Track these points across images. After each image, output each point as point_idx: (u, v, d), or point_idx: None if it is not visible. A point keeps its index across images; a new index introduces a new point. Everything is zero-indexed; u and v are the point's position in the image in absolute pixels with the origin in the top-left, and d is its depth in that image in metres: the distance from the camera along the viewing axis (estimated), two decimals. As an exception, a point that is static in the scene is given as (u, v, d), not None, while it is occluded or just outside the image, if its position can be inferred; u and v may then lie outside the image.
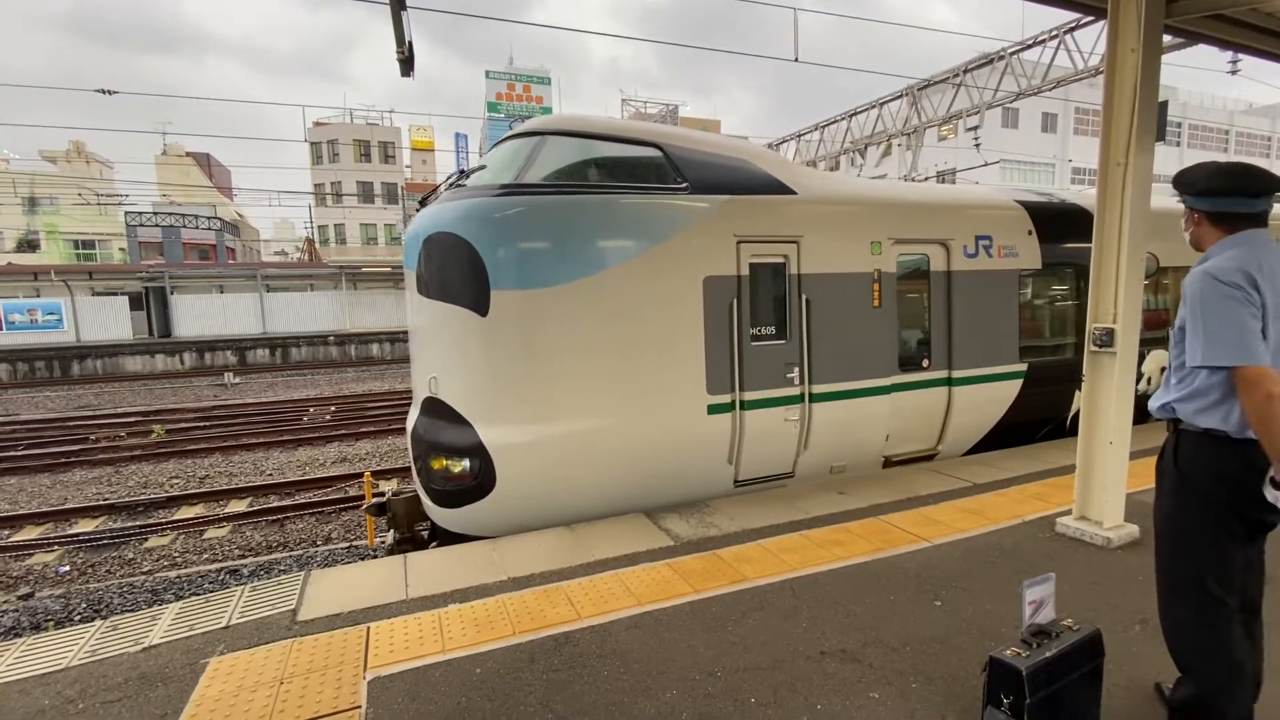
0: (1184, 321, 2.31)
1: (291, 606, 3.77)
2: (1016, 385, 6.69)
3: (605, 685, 2.90)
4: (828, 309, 5.69)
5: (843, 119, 18.65)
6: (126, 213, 39.76)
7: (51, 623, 5.86)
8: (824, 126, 19.54)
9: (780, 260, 5.52)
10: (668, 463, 5.25)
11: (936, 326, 6.35)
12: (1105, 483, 4.31)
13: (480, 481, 4.85)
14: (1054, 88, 14.06)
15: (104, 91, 16.33)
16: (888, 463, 6.26)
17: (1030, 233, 6.73)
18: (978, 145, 15.77)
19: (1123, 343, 4.20)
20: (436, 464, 5.01)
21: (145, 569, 7.23)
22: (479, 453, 4.81)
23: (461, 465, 4.88)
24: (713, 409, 5.30)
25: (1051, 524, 4.60)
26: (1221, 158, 5.42)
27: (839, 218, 5.83)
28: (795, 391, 5.61)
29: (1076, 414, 6.72)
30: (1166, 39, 4.69)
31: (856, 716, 2.66)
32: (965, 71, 15.27)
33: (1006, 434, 6.74)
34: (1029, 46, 13.98)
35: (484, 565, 4.25)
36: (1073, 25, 12.95)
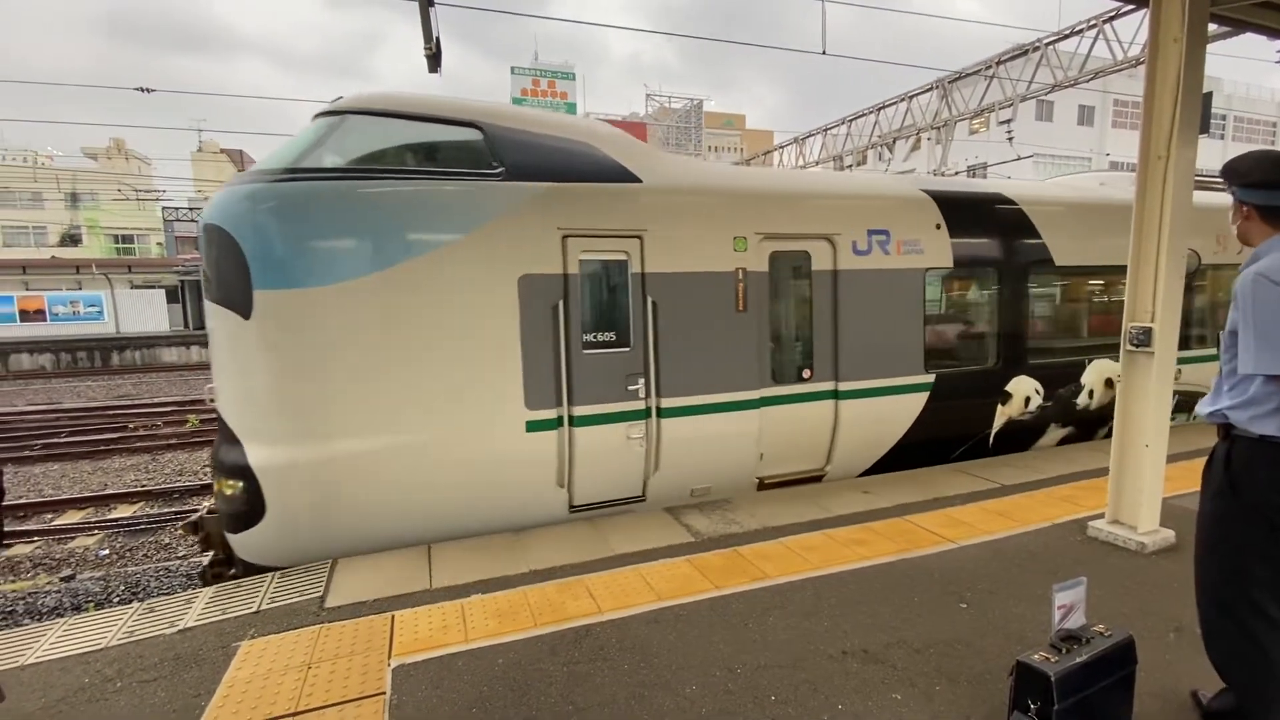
0: (1235, 325, 2.23)
1: (319, 593, 3.85)
2: (921, 399, 6.01)
3: (625, 679, 2.92)
4: (680, 313, 5.07)
5: (870, 112, 18.36)
6: (164, 208, 40.85)
7: (92, 604, 6.08)
8: (851, 120, 19.26)
9: (620, 257, 4.91)
10: (478, 487, 4.63)
11: (821, 333, 5.66)
12: (1140, 486, 4.19)
13: (250, 506, 4.25)
14: (1091, 79, 13.65)
15: (142, 90, 16.79)
16: (763, 485, 5.61)
17: (939, 226, 6.01)
18: (1010, 139, 15.39)
19: (1161, 342, 4.08)
20: (218, 484, 4.48)
21: (180, 554, 7.46)
22: (246, 474, 4.22)
23: (235, 487, 4.28)
24: (533, 426, 4.68)
25: (1083, 527, 4.49)
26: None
27: (693, 209, 5.17)
28: (640, 406, 5.00)
29: (1002, 432, 6.44)
30: (1211, 28, 4.53)
31: (879, 718, 2.63)
32: (999, 63, 14.91)
33: (913, 453, 6.10)
34: (1066, 37, 13.59)
35: (506, 556, 4.29)
36: (1112, 14, 12.55)
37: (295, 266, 4.19)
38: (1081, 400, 6.83)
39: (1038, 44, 14.07)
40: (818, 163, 20.54)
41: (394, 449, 4.39)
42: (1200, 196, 7.60)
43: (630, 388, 4.97)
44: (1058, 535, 4.45)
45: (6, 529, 6.07)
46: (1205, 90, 4.23)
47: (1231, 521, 2.28)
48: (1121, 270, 7.27)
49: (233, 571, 4.75)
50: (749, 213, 5.34)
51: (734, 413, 5.30)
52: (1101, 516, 4.47)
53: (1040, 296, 6.83)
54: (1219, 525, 2.33)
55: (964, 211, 6.21)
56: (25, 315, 27.95)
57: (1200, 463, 2.50)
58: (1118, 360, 6.64)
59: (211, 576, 4.88)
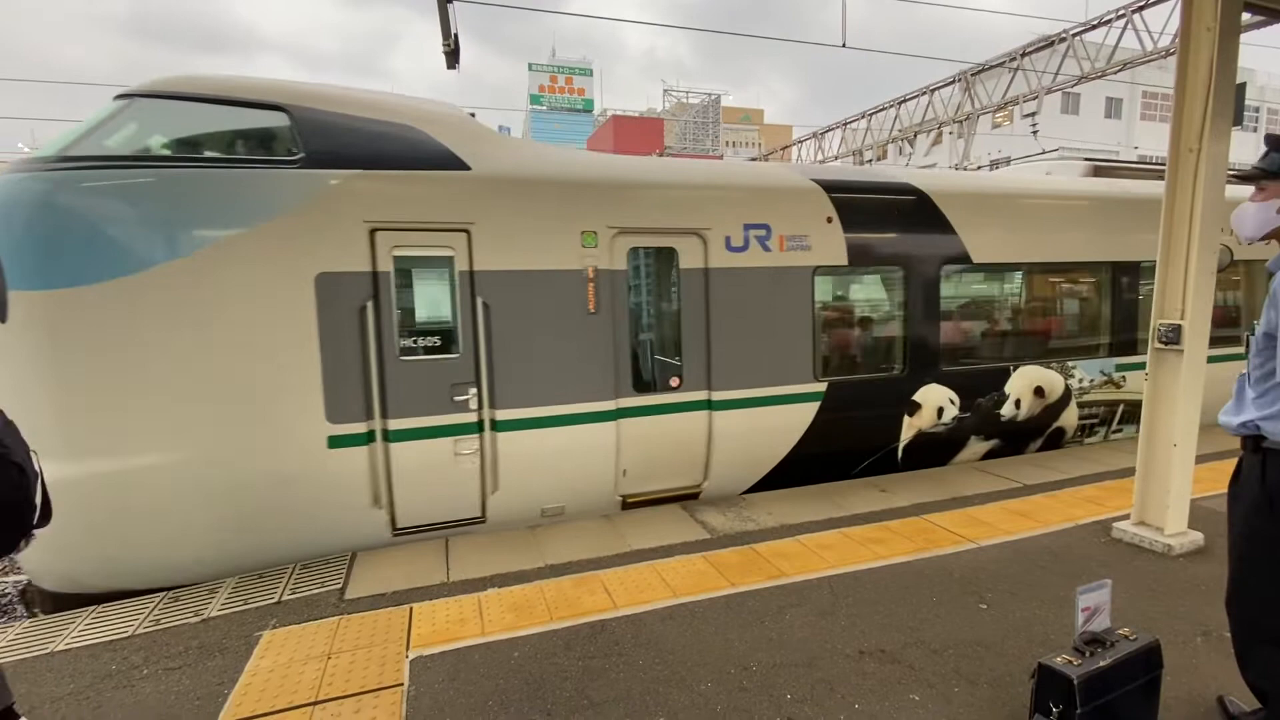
0: (1272, 327, 2.09)
1: (339, 585, 3.91)
2: (811, 409, 5.47)
3: (640, 674, 2.92)
4: (517, 316, 4.60)
5: (890, 106, 18.12)
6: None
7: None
8: (871, 114, 19.03)
9: (444, 253, 4.45)
10: (270, 510, 4.12)
11: (691, 338, 5.12)
12: (1168, 486, 4.10)
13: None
14: (1119, 70, 13.33)
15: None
16: (629, 504, 5.10)
17: (831, 220, 5.45)
18: (1035, 132, 15.09)
19: (1191, 340, 3.97)
20: None
21: None
22: None
23: None
24: (338, 441, 4.23)
25: (1107, 528, 4.40)
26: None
27: (530, 200, 4.64)
28: (470, 419, 4.54)
29: (913, 445, 5.90)
30: (1245, 16, 4.39)
31: (896, 718, 2.61)
32: (1023, 55, 14.63)
33: (806, 467, 5.57)
34: (1093, 27, 13.29)
35: (522, 551, 4.32)
36: (1141, 4, 12.25)
37: (49, 265, 3.75)
38: (1007, 411, 6.21)
39: (1064, 35, 13.78)
40: (836, 157, 20.34)
41: (168, 467, 3.92)
42: (1153, 188, 6.80)
43: (458, 399, 4.50)
44: (1081, 536, 4.37)
45: None
46: (1239, 81, 4.10)
47: (1273, 541, 2.18)
48: (1059, 268, 6.62)
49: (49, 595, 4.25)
50: (599, 204, 4.82)
51: (586, 425, 4.82)
52: (1127, 517, 4.39)
53: (955, 298, 6.27)
54: (1258, 544, 2.22)
55: (861, 204, 5.62)
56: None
57: (1231, 464, 2.42)
58: (1050, 367, 6.46)
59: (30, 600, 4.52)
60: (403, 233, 4.33)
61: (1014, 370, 6.26)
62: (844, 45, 12.99)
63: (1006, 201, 6.30)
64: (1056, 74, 14.22)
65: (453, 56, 6.83)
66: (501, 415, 4.61)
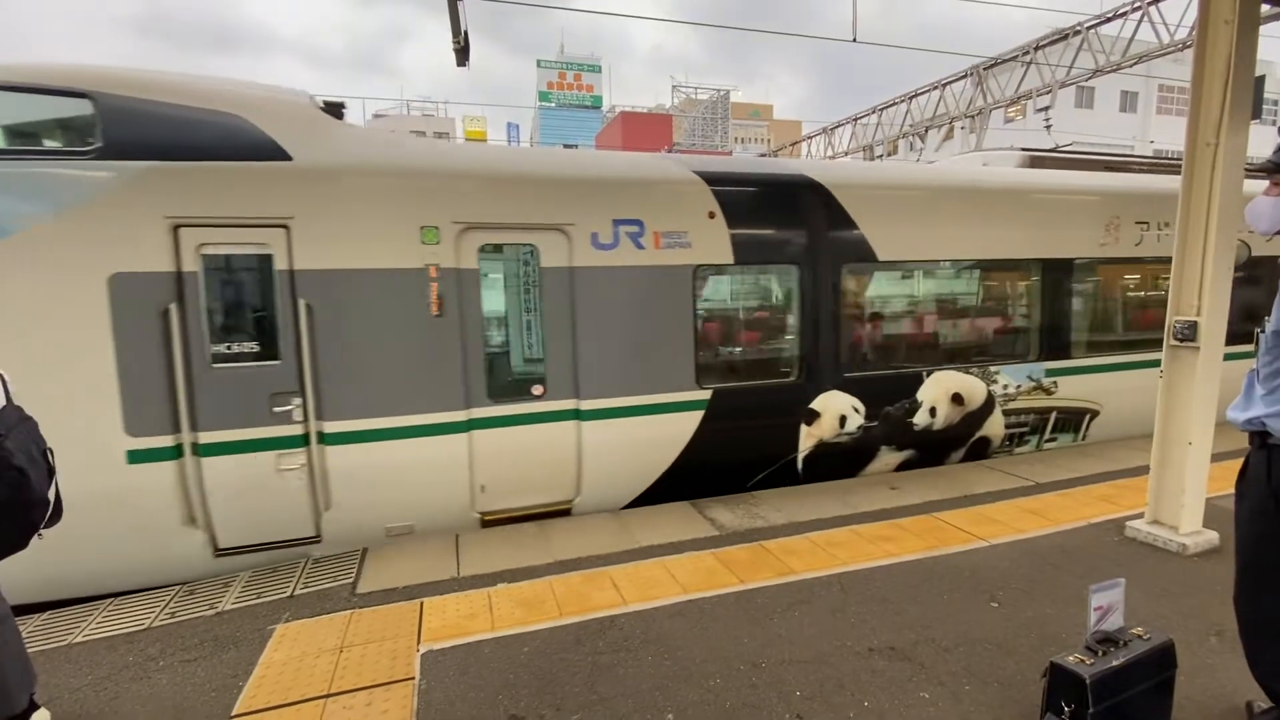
0: None
1: (351, 579, 3.94)
2: (694, 418, 5.09)
3: (649, 670, 2.93)
4: (347, 319, 4.25)
5: (901, 101, 17.98)
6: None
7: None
8: (882, 109, 18.89)
9: (260, 251, 4.11)
10: (64, 534, 3.49)
11: (555, 343, 4.78)
12: (1183, 485, 4.06)
13: None
14: (1135, 64, 13.16)
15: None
16: (489, 521, 4.76)
17: (714, 215, 5.04)
18: (1048, 126, 14.92)
19: (1207, 337, 3.92)
20: None
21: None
22: None
23: None
24: (138, 456, 3.89)
25: (1120, 527, 4.36)
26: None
27: (360, 193, 4.30)
28: (294, 431, 4.20)
29: (815, 456, 5.49)
30: (1265, 8, 4.32)
31: (906, 716, 2.60)
32: (1037, 48, 14.47)
33: (693, 480, 5.20)
34: (1108, 20, 13.12)
35: (531, 547, 4.34)
36: (1158, -4, 12.07)
37: None
38: (920, 419, 5.80)
39: (1078, 28, 13.61)
40: (847, 153, 20.22)
41: None
42: (1093, 179, 6.58)
43: (279, 409, 4.15)
44: (1094, 535, 4.33)
45: None
46: (1258, 74, 4.04)
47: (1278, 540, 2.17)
48: (982, 266, 6.21)
49: None
50: (442, 197, 4.46)
51: (432, 438, 4.47)
52: (1140, 516, 4.34)
53: (858, 299, 5.89)
54: (1265, 545, 2.21)
55: (749, 198, 5.24)
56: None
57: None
58: (969, 372, 6.05)
59: None
60: (210, 229, 3.99)
61: (927, 376, 5.83)
62: (854, 40, 12.89)
63: (920, 195, 5.84)
64: (1071, 67, 14.05)
65: (463, 54, 6.85)
66: (331, 428, 4.26)
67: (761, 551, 4.16)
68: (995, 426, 6.17)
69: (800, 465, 5.53)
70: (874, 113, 19.16)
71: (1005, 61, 15.35)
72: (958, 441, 6.09)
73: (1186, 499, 4.05)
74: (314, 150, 4.24)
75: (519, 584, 3.80)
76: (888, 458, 5.85)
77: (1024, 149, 7.31)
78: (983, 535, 4.34)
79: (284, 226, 4.12)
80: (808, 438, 5.50)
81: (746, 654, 3.04)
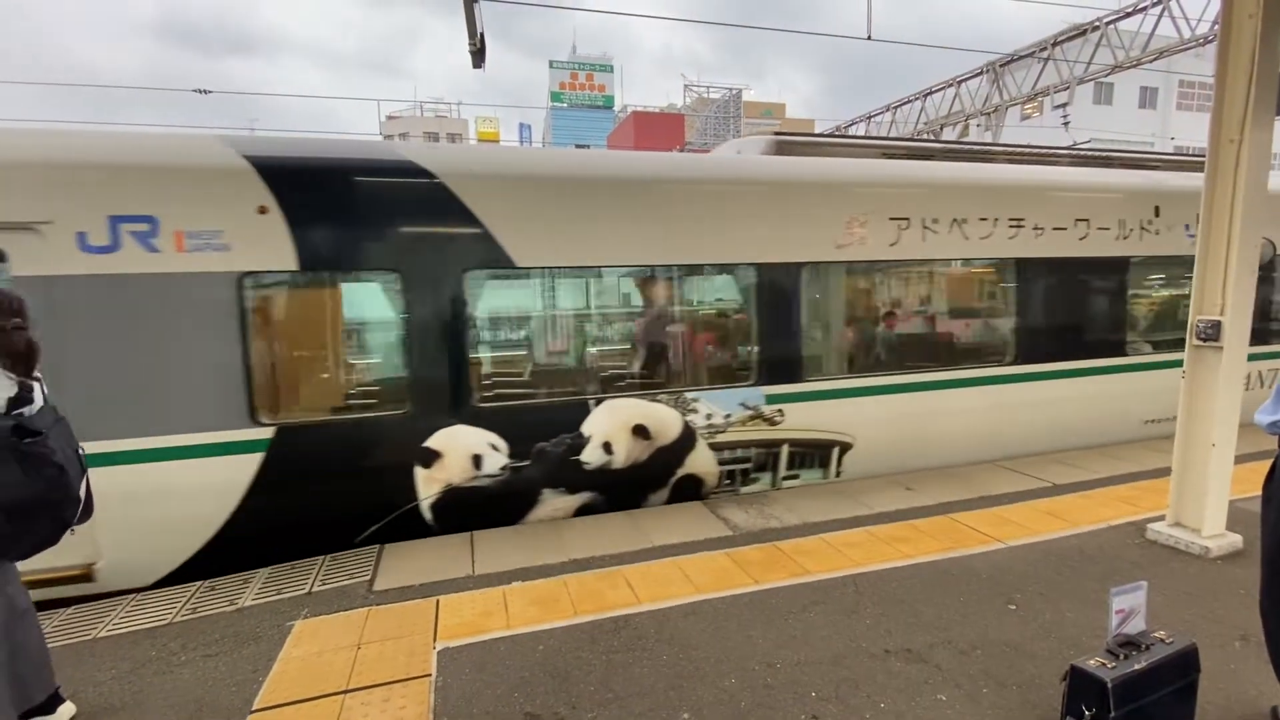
0: None
1: (368, 576, 3.98)
2: (252, 462, 4.14)
3: (664, 669, 2.93)
4: None
5: (916, 98, 17.85)
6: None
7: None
8: (896, 107, 18.76)
9: None
10: None
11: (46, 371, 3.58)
12: (1206, 487, 3.99)
13: None
14: (1155, 59, 12.98)
15: (200, 91, 17.60)
16: None
17: (266, 210, 4.11)
18: (1066, 123, 14.74)
19: (1231, 337, 3.86)
20: None
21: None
22: None
23: None
24: None
25: (1141, 529, 4.30)
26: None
27: None
28: None
29: (447, 504, 4.55)
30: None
31: (923, 718, 2.58)
32: (1054, 44, 14.29)
33: (264, 539, 4.22)
34: (1127, 15, 12.95)
35: (546, 546, 4.36)
36: (1179, -10, 11.88)
37: None
38: (592, 456, 4.80)
39: (1097, 23, 13.43)
40: (860, 152, 20.10)
41: None
42: (844, 167, 5.55)
43: None
44: (1114, 537, 4.28)
45: None
46: (1284, 68, 3.97)
47: None
48: (669, 272, 5.14)
49: None
50: None
51: None
52: (1162, 518, 4.29)
53: (492, 315, 5.02)
54: None
55: (321, 190, 4.30)
56: None
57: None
58: (656, 400, 4.96)
59: None
60: None
61: (595, 405, 4.85)
62: (869, 38, 12.80)
63: (575, 188, 4.85)
64: (1089, 63, 13.87)
65: (479, 55, 6.89)
66: None
67: (775, 552, 4.15)
68: (704, 463, 5.14)
69: (429, 514, 4.59)
70: (888, 110, 19.03)
71: (1022, 58, 15.19)
72: (654, 482, 5.09)
73: (1209, 501, 3.99)
74: None
75: (533, 582, 3.82)
76: (557, 502, 4.86)
77: (776, 134, 6.13)
78: (1000, 537, 4.29)
79: None
80: (430, 482, 4.54)
81: (761, 654, 3.03)
